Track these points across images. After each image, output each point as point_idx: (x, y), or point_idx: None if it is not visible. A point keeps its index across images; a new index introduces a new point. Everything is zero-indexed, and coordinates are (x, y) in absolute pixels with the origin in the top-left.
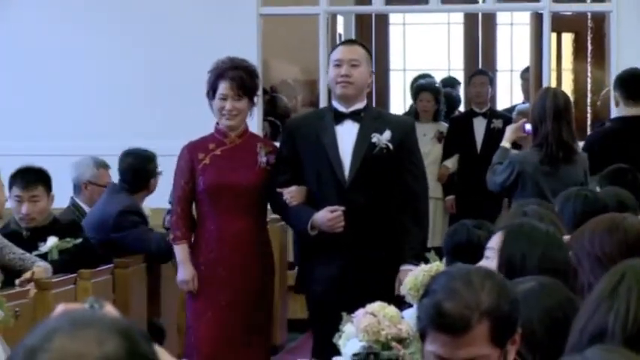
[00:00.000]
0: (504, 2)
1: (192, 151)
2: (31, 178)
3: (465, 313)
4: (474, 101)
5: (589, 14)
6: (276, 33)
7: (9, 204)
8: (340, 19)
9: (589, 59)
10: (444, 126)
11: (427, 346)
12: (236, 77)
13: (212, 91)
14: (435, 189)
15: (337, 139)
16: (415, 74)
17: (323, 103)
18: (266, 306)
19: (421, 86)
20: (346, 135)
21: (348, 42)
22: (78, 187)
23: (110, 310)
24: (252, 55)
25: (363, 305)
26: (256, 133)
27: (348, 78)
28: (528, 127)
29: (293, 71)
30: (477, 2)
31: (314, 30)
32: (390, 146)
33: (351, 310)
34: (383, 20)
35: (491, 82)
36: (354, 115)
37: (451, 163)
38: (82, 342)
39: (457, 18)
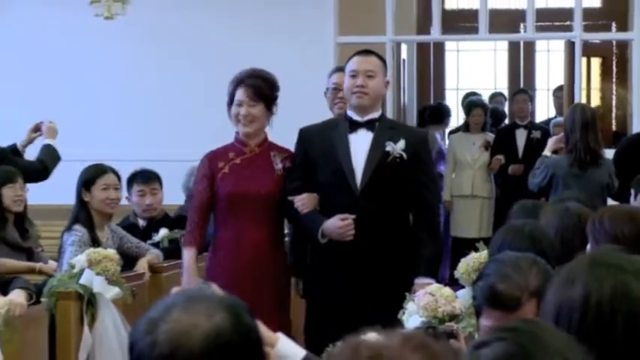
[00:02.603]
0: (542, 32)
1: (213, 159)
2: (150, 175)
3: (516, 293)
4: (517, 115)
5: (614, 42)
6: None
7: (124, 201)
8: (404, 47)
9: (614, 80)
10: (490, 136)
11: (482, 321)
12: (252, 84)
13: (231, 100)
14: (482, 189)
15: (350, 147)
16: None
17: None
18: (283, 313)
19: (473, 103)
20: (360, 143)
21: (364, 52)
22: None
23: (216, 289)
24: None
25: (373, 312)
26: (275, 143)
27: (364, 88)
28: None
29: None
30: (519, 32)
31: None
32: (404, 155)
33: (360, 316)
34: (440, 47)
35: (531, 99)
36: (369, 124)
37: (501, 156)
38: (194, 315)
39: (502, 45)
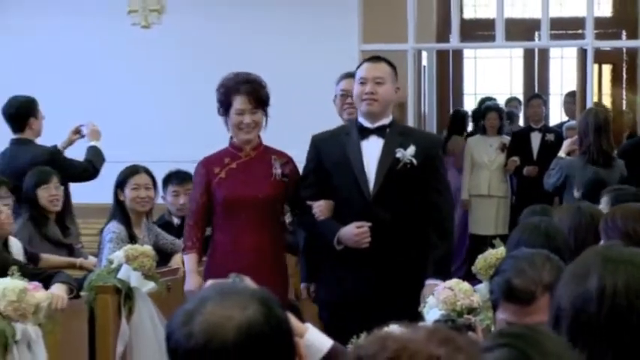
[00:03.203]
0: (556, 40)
1: (208, 165)
2: (184, 176)
3: (531, 287)
4: (532, 119)
5: (624, 49)
6: None
7: (160, 200)
8: (424, 54)
9: (624, 85)
10: (506, 138)
11: (499, 314)
12: (250, 91)
13: (225, 108)
14: (498, 189)
15: (362, 154)
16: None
17: (410, 122)
18: None
19: (488, 107)
20: (371, 150)
21: (373, 59)
22: None
23: (249, 283)
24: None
25: (387, 319)
26: (271, 146)
27: (373, 95)
28: None
29: None
30: (534, 40)
31: (403, 63)
32: (414, 161)
33: (373, 324)
34: (458, 54)
35: (545, 103)
36: (379, 131)
37: (517, 157)
38: (228, 307)
39: (518, 52)
